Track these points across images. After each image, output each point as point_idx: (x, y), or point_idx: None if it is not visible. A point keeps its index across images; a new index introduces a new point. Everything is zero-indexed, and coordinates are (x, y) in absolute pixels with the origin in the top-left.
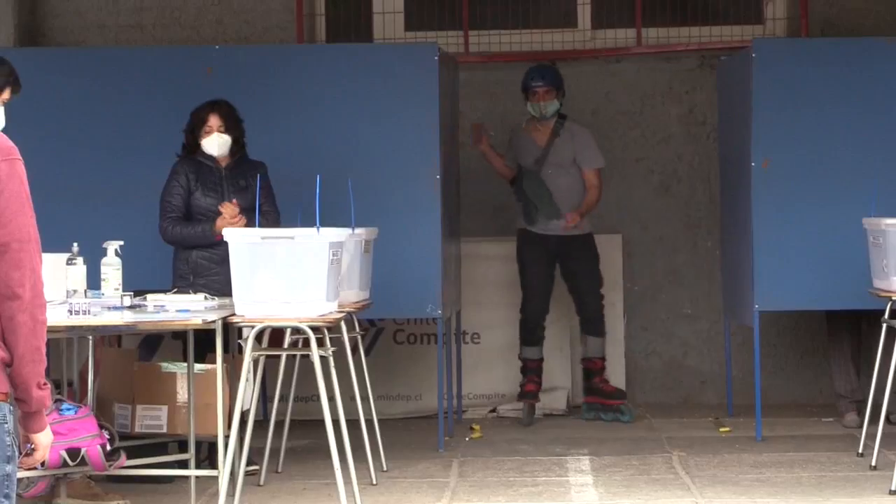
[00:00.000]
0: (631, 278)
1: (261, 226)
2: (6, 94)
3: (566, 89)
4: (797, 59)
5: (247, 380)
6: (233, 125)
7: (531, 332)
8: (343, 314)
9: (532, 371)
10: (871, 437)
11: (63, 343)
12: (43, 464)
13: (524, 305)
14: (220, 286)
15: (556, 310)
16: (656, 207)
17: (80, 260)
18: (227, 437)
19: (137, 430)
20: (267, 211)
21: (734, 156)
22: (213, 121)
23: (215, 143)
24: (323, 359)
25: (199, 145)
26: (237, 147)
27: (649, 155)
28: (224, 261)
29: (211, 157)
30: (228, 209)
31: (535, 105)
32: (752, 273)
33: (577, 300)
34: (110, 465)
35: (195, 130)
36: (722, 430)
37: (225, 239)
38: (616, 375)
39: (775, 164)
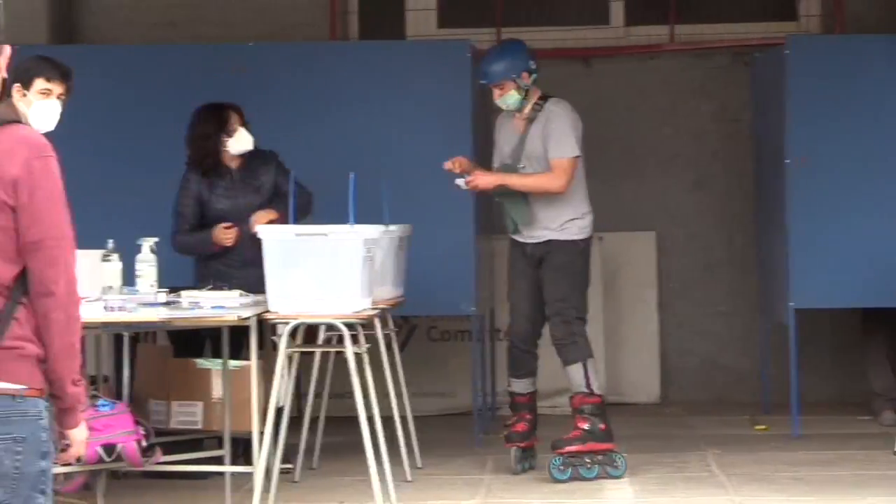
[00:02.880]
0: (665, 275)
1: (298, 208)
2: (36, 87)
3: (606, 84)
4: (831, 55)
5: (281, 376)
6: (245, 120)
7: (518, 362)
8: (377, 311)
9: (523, 407)
10: None
11: (99, 339)
12: (79, 460)
13: (509, 329)
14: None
15: None
16: (690, 204)
17: (115, 256)
18: (262, 433)
19: (173, 426)
20: (296, 192)
21: (768, 153)
22: (235, 118)
23: (247, 138)
24: (357, 355)
25: (217, 151)
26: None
27: (683, 152)
28: (245, 265)
29: (222, 163)
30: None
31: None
32: (788, 270)
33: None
34: (146, 462)
35: (219, 132)
36: (757, 427)
37: (220, 247)
38: (651, 373)
39: (810, 160)
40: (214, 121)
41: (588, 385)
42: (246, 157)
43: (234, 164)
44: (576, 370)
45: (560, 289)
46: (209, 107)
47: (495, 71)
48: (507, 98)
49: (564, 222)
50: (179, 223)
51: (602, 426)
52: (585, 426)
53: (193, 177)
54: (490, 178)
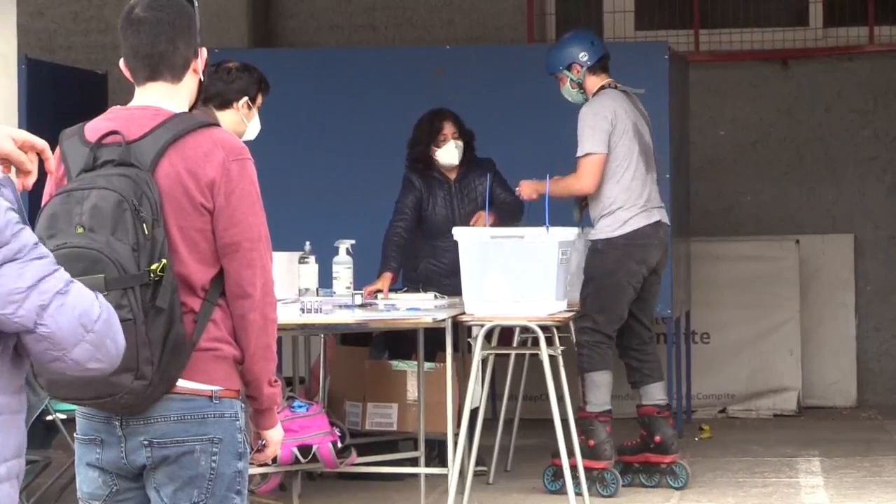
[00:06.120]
0: (863, 278)
1: (501, 217)
2: (260, 101)
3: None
4: None
5: (476, 378)
6: (464, 130)
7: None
8: (572, 313)
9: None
10: None
11: (295, 340)
12: (274, 460)
13: None
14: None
15: (782, 310)
16: (889, 206)
17: (312, 258)
18: (456, 435)
19: (368, 427)
20: (504, 200)
21: None
22: (448, 128)
23: (453, 151)
24: (552, 358)
25: (430, 158)
26: (468, 152)
27: (882, 154)
28: (454, 273)
29: (439, 171)
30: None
31: None
32: None
33: None
34: (341, 463)
35: (428, 141)
36: None
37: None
38: (848, 377)
39: None
40: (426, 129)
41: (583, 398)
42: (463, 166)
43: (451, 175)
44: (580, 380)
45: (584, 291)
46: (427, 114)
47: (547, 62)
48: (564, 91)
49: (597, 220)
50: (395, 217)
51: (591, 443)
52: (578, 440)
53: (414, 177)
54: (530, 187)
